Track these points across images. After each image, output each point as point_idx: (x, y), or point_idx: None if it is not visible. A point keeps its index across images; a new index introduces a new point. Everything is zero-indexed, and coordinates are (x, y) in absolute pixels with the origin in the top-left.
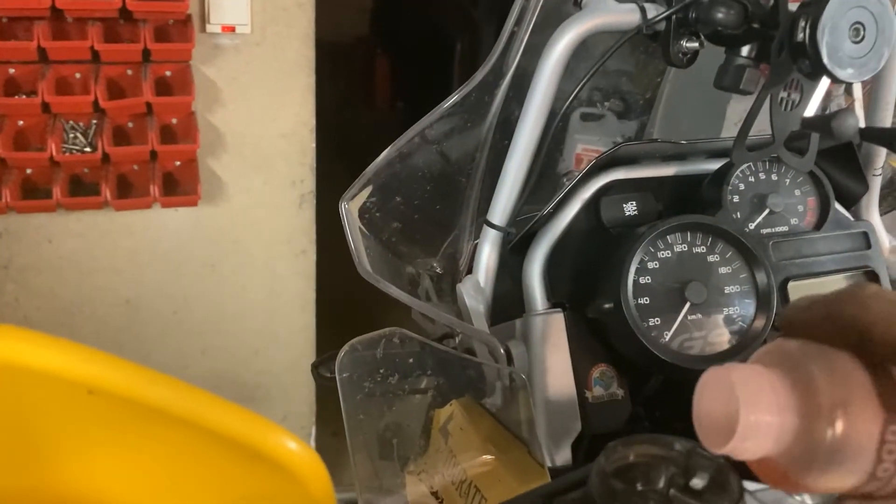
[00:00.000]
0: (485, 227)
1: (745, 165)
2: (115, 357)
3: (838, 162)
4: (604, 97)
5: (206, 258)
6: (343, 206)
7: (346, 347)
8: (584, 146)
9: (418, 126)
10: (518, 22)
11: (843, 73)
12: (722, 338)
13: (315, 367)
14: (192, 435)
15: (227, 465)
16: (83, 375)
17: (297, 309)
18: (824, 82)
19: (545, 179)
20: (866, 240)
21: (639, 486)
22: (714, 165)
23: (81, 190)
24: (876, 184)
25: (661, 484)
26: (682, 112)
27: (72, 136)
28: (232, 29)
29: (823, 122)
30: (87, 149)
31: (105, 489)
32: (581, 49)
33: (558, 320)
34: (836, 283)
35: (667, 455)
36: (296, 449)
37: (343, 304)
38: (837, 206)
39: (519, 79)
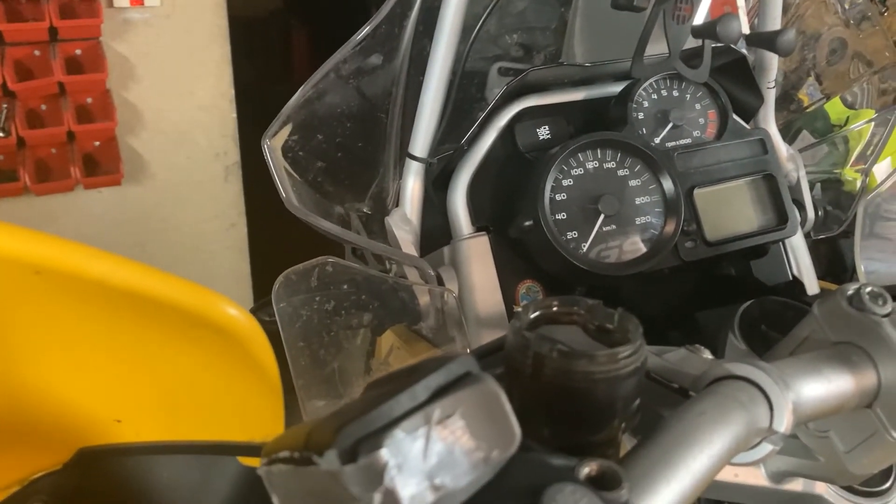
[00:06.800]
0: (407, 160)
1: (648, 83)
2: (58, 237)
3: (734, 77)
4: (524, 52)
5: (134, 238)
6: (265, 144)
7: (280, 279)
8: None
9: (331, 61)
10: None
11: None
12: (636, 245)
13: (254, 313)
14: (137, 308)
15: (172, 335)
16: (30, 255)
17: (232, 282)
18: None
19: (465, 120)
20: (763, 146)
21: (550, 335)
22: (620, 88)
23: None
24: (770, 95)
25: (571, 332)
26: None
27: None
28: (140, 2)
29: (710, 27)
30: (1, 134)
31: (54, 371)
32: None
33: (483, 242)
34: (738, 188)
35: (573, 310)
36: (235, 314)
37: (278, 273)
38: (735, 117)
39: (427, 12)
